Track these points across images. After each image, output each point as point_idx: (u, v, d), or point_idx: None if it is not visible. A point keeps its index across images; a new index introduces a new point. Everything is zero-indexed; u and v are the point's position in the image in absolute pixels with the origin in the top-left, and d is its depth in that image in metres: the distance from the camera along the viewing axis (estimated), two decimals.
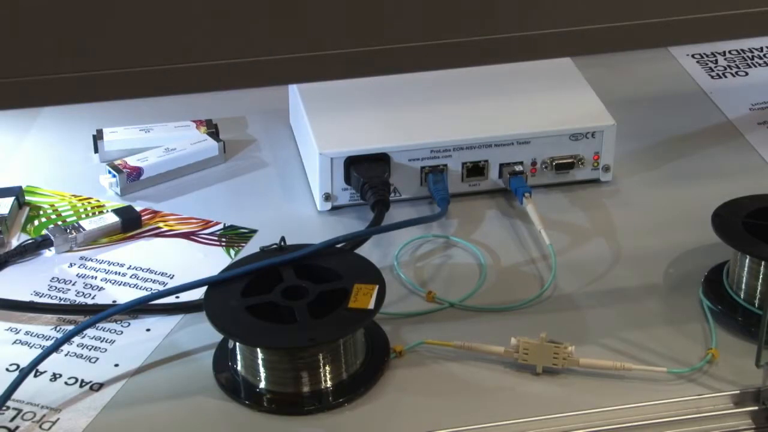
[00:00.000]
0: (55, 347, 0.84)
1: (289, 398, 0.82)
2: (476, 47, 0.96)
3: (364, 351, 0.84)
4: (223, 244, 0.98)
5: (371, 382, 0.83)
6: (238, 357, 0.83)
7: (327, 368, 0.82)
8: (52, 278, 0.95)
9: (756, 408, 0.82)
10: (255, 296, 0.84)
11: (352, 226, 0.99)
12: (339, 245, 0.92)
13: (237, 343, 0.83)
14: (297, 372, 0.82)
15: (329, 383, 0.82)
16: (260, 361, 0.82)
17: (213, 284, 0.85)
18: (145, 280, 0.94)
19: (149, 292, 0.92)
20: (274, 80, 1.00)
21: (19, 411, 0.82)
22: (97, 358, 0.86)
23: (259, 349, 0.82)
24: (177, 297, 0.89)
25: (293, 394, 0.82)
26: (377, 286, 0.83)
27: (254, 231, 1.00)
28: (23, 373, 0.81)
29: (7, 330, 0.89)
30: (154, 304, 0.89)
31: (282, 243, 0.88)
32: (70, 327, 0.88)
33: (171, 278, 0.94)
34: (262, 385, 0.82)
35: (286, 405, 0.82)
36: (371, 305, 0.81)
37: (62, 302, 0.92)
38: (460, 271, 0.95)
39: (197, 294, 0.89)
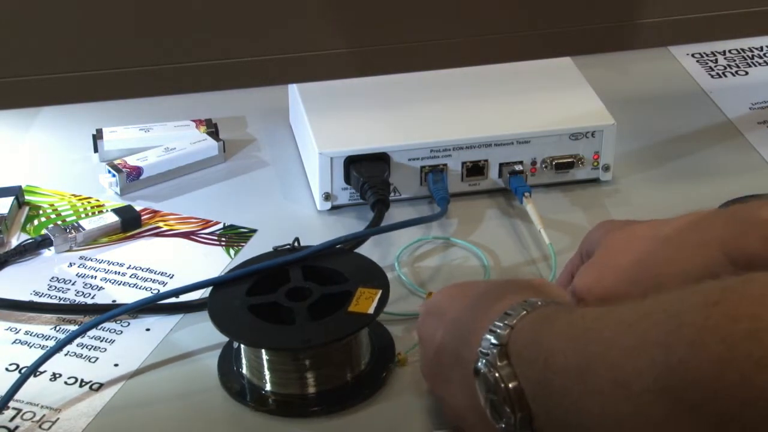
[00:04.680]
0: (58, 348, 0.83)
1: (292, 400, 0.82)
2: (476, 47, 0.96)
3: (369, 352, 0.84)
4: (223, 243, 0.98)
5: (377, 383, 0.83)
6: (242, 357, 0.83)
7: (330, 370, 0.82)
8: (52, 278, 0.94)
9: None
10: (259, 296, 0.84)
11: (351, 225, 0.99)
12: (339, 245, 0.92)
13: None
14: (301, 373, 0.82)
15: (332, 385, 0.82)
16: (264, 362, 0.82)
17: (220, 284, 0.85)
18: (145, 279, 0.94)
19: (149, 292, 0.92)
20: (274, 80, 1.00)
21: (19, 411, 0.82)
22: (97, 358, 0.86)
23: (263, 350, 0.82)
24: (177, 297, 0.89)
25: (297, 395, 0.82)
26: (380, 291, 0.82)
27: (254, 231, 1.00)
28: (25, 375, 0.81)
29: (7, 330, 0.89)
30: (163, 303, 0.89)
31: (296, 244, 0.88)
32: (70, 327, 0.88)
33: (171, 278, 0.94)
34: (267, 387, 0.82)
35: (289, 407, 0.82)
36: (371, 310, 0.81)
37: (62, 302, 0.92)
38: (461, 272, 0.95)
39: (197, 293, 0.89)
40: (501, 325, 0.67)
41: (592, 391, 0.60)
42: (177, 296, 0.88)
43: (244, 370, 0.83)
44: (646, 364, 0.57)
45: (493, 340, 0.66)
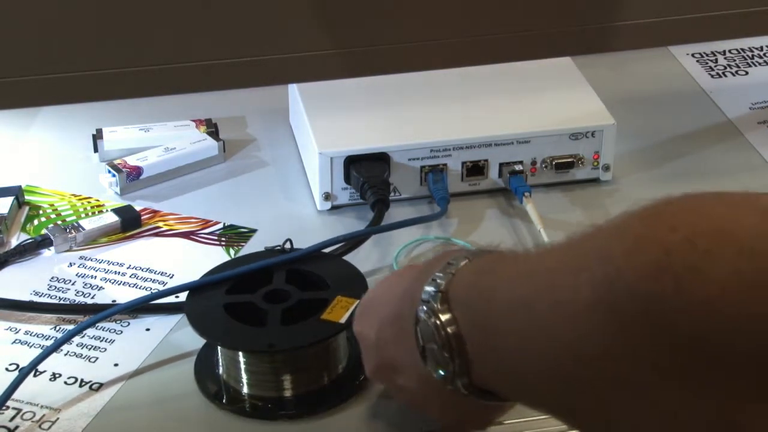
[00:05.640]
0: (55, 347, 0.84)
1: (268, 402, 0.82)
2: (476, 47, 0.96)
3: (347, 357, 0.84)
4: (223, 243, 0.98)
5: (353, 388, 0.82)
6: (219, 358, 0.83)
7: (306, 374, 0.82)
8: (52, 278, 0.94)
9: None
10: (237, 294, 0.84)
11: (351, 225, 0.99)
12: (338, 245, 0.92)
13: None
14: (276, 376, 0.81)
15: (309, 389, 0.82)
16: (241, 364, 0.82)
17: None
18: (145, 279, 0.94)
19: (149, 292, 0.92)
20: (274, 80, 1.00)
21: (19, 411, 0.82)
22: (97, 358, 0.86)
23: (240, 352, 0.81)
24: (177, 297, 0.89)
25: (273, 398, 0.82)
26: (357, 302, 0.81)
27: (254, 230, 1.00)
28: (23, 373, 0.81)
29: (7, 329, 0.89)
30: (154, 303, 0.89)
31: (288, 246, 0.88)
32: (70, 327, 0.88)
33: (171, 278, 0.94)
34: (244, 389, 0.82)
35: (265, 409, 0.82)
36: (343, 319, 0.80)
37: (62, 302, 0.92)
38: None
39: None
40: (442, 274, 0.65)
41: (533, 319, 0.59)
42: (172, 296, 0.88)
43: (221, 371, 0.83)
44: (585, 279, 0.56)
45: (434, 288, 0.65)
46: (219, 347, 0.83)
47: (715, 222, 0.53)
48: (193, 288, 0.85)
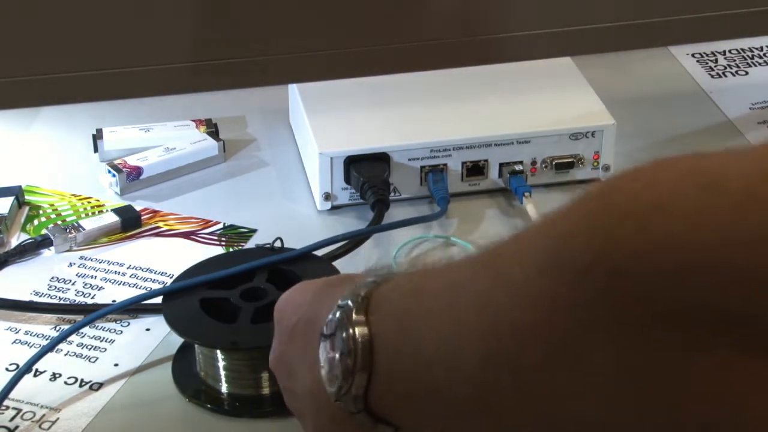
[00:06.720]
0: (50, 347, 0.84)
1: (247, 400, 0.82)
2: (476, 47, 0.96)
3: None
4: (223, 243, 0.98)
5: None
6: (197, 354, 0.83)
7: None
8: (52, 278, 0.94)
9: None
10: (216, 290, 0.84)
11: (351, 225, 0.99)
12: (338, 244, 0.92)
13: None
14: (256, 374, 0.81)
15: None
16: (219, 362, 0.82)
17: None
18: (145, 279, 0.94)
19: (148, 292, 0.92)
20: (274, 80, 1.00)
21: (19, 411, 0.82)
22: (97, 358, 0.86)
23: (218, 350, 0.81)
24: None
25: (252, 396, 0.82)
26: None
27: (254, 230, 1.00)
28: (19, 373, 0.81)
29: (7, 330, 0.89)
30: (153, 303, 0.89)
31: (278, 244, 0.88)
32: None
33: (171, 278, 0.94)
34: (223, 388, 0.82)
35: (244, 407, 0.82)
36: None
37: (62, 302, 0.92)
38: None
39: None
40: (365, 284, 0.62)
41: (470, 295, 0.54)
42: (159, 296, 0.88)
43: (198, 368, 0.83)
44: (535, 248, 0.51)
45: (354, 295, 0.61)
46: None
47: (679, 166, 0.50)
48: (175, 288, 0.85)
